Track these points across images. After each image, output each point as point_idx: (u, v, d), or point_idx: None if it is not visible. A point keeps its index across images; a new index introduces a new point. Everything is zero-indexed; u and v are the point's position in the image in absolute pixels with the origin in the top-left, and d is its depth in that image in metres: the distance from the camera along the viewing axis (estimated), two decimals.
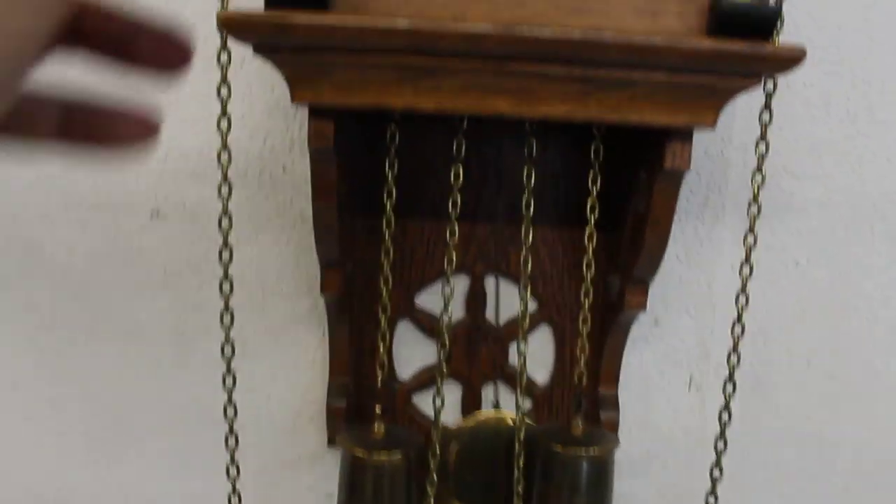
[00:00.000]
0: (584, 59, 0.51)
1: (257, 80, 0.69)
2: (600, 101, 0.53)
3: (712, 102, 0.53)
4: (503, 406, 0.74)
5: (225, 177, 0.53)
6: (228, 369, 0.57)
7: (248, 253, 0.72)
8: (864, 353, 0.77)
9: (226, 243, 0.55)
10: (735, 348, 0.61)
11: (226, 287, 0.56)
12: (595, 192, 0.63)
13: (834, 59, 0.72)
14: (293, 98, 0.53)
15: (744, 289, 0.60)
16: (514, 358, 0.74)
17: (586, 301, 0.65)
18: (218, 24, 0.50)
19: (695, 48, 0.50)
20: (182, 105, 0.70)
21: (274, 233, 0.72)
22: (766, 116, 0.56)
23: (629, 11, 0.52)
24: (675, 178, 0.57)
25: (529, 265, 0.64)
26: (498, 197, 0.70)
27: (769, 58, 0.51)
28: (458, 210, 0.62)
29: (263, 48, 0.51)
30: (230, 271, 0.57)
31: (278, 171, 0.71)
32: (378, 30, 0.50)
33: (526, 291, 0.65)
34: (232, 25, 0.50)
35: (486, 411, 0.72)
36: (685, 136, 0.56)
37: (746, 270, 0.60)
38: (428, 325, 0.73)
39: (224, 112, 0.53)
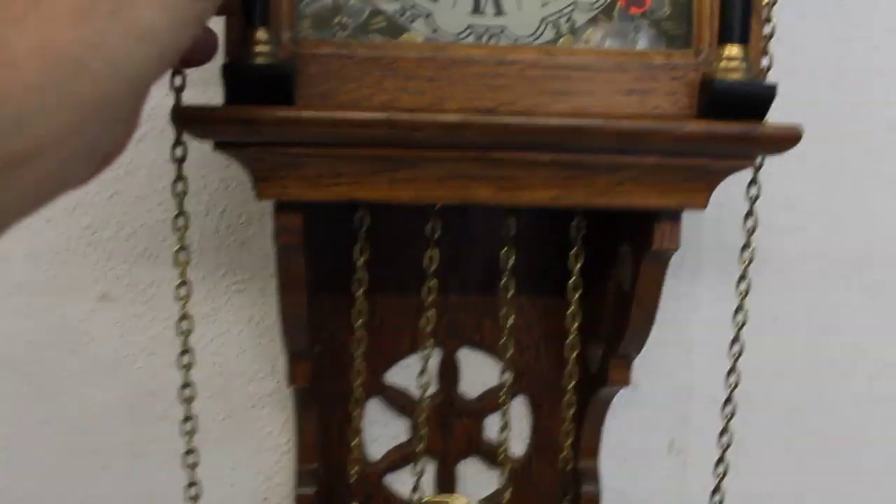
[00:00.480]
0: (570, 146, 0.48)
1: (213, 152, 0.64)
2: (587, 186, 0.50)
3: (704, 184, 0.51)
4: (476, 483, 0.71)
5: (183, 279, 0.49)
6: (192, 482, 0.53)
7: (207, 332, 0.68)
8: (845, 407, 0.75)
9: (185, 350, 0.50)
10: (725, 430, 0.58)
11: (187, 393, 0.51)
12: (577, 269, 0.60)
13: (808, 111, 0.69)
14: (258, 195, 0.49)
15: (733, 369, 0.57)
16: (489, 432, 0.70)
17: (570, 381, 0.62)
18: (172, 119, 0.46)
19: (687, 132, 0.48)
20: (131, 181, 0.65)
21: (234, 311, 0.68)
22: (754, 190, 0.53)
23: (616, 92, 0.49)
24: (664, 259, 0.55)
25: (510, 350, 0.61)
26: (469, 267, 0.67)
27: (765, 139, 0.48)
28: (435, 293, 0.59)
29: (226, 145, 0.47)
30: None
31: (236, 246, 0.67)
32: (352, 122, 0.46)
33: (506, 374, 0.62)
34: (189, 122, 0.46)
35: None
36: (674, 215, 0.53)
37: (736, 349, 0.57)
38: (399, 403, 0.69)
39: (181, 211, 0.48)
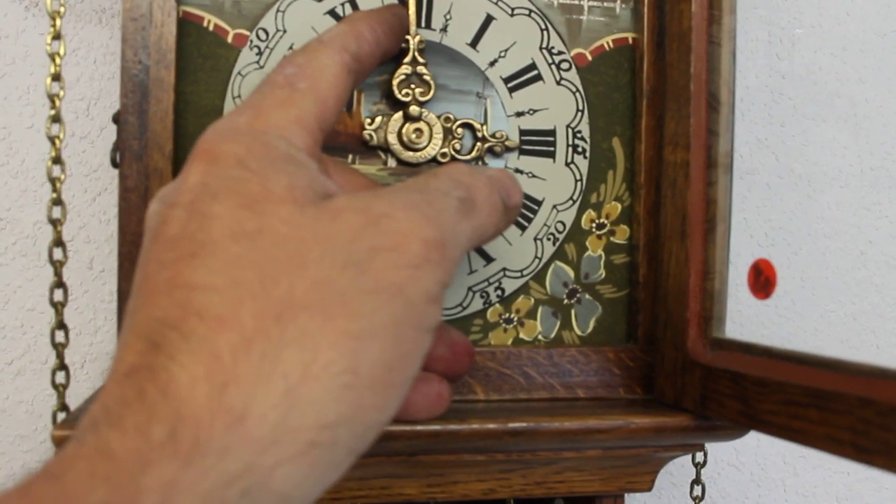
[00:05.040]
0: (508, 448, 0.44)
1: None
2: (525, 477, 0.46)
3: (649, 468, 0.47)
4: None
5: None
6: None
7: None
8: None
9: None
10: None
11: None
12: None
13: None
14: None
15: None
16: None
17: None
18: (54, 443, 0.40)
19: (635, 428, 0.43)
20: (6, 418, 0.58)
21: None
22: (698, 490, 0.50)
23: None
24: None
25: None
26: None
27: (713, 430, 0.44)
28: None
29: None
30: None
31: None
32: None
33: None
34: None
35: None
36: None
37: None
38: None
39: None
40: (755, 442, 0.69)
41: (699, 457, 0.50)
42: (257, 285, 0.26)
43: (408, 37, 0.44)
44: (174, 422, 0.24)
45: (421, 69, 0.45)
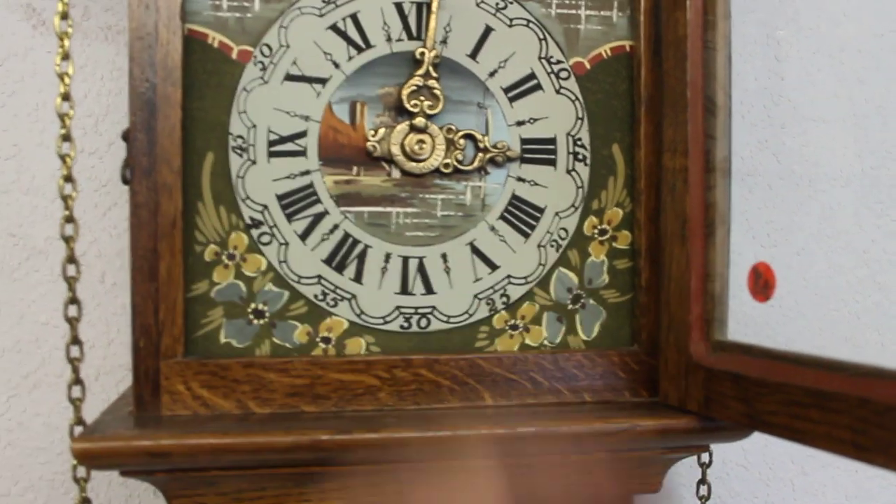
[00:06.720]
0: (514, 452, 0.44)
1: None
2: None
3: (657, 469, 0.47)
4: None
5: None
6: None
7: None
8: None
9: None
10: None
11: None
12: None
13: None
14: None
15: None
16: None
17: None
18: (74, 456, 0.41)
19: (640, 431, 0.44)
20: (24, 432, 0.59)
21: None
22: (703, 490, 0.50)
23: None
24: None
25: None
26: None
27: (717, 431, 0.45)
28: None
29: (133, 473, 0.42)
30: None
31: None
32: (275, 447, 0.41)
33: None
34: (90, 458, 0.41)
35: None
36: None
37: None
38: None
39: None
40: (763, 442, 0.70)
41: (704, 457, 0.51)
42: None
43: (423, 49, 0.45)
44: None
45: (432, 83, 0.45)
